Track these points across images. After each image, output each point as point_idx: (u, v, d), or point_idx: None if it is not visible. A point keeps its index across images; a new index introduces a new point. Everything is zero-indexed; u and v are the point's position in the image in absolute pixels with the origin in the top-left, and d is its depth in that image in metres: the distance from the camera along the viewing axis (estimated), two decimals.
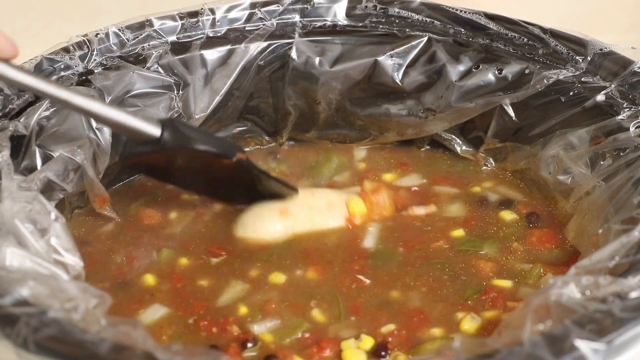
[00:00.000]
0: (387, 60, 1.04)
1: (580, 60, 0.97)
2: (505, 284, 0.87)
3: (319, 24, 1.07)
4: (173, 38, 1.03)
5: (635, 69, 0.93)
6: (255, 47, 1.04)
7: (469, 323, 0.81)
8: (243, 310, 0.83)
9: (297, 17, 1.07)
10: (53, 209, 0.78)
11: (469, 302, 0.84)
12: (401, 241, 0.93)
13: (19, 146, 0.87)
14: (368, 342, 0.79)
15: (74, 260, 0.77)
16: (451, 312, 0.83)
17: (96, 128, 0.93)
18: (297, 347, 0.79)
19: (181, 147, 0.85)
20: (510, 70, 1.00)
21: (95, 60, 0.98)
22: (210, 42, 1.04)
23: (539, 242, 0.93)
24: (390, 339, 0.79)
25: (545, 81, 0.97)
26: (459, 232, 0.94)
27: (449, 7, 1.05)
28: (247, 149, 1.10)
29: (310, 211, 0.94)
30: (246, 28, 1.06)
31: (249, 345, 0.78)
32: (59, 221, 0.78)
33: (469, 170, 1.06)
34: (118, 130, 0.85)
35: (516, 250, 0.92)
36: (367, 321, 0.82)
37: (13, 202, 0.76)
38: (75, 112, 0.88)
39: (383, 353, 0.78)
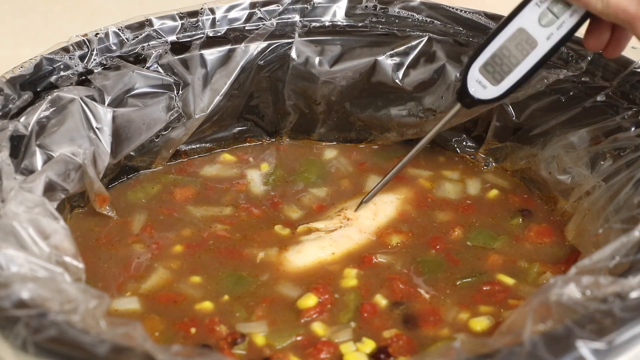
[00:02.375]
0: (387, 60, 1.04)
1: (580, 60, 0.97)
2: (507, 280, 0.87)
3: (318, 24, 1.07)
4: (173, 38, 1.03)
5: (636, 68, 0.93)
6: (255, 47, 1.04)
7: (479, 324, 0.82)
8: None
9: (297, 17, 1.07)
10: (57, 213, 0.78)
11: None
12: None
13: (19, 146, 0.87)
14: (369, 345, 0.79)
15: (75, 263, 0.77)
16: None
17: (96, 128, 0.93)
18: (293, 350, 0.79)
19: None
20: None
21: (95, 60, 0.98)
22: (210, 42, 1.04)
23: (537, 237, 0.93)
24: (391, 343, 0.79)
25: (545, 81, 0.97)
26: (458, 230, 0.95)
27: (449, 7, 1.05)
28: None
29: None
30: (246, 28, 1.05)
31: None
32: (62, 224, 0.78)
33: (469, 169, 1.06)
34: None
35: (514, 247, 0.92)
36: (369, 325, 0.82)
37: (17, 204, 0.76)
38: None
39: (383, 356, 0.77)
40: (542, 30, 0.85)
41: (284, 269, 0.89)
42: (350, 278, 0.87)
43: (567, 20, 0.84)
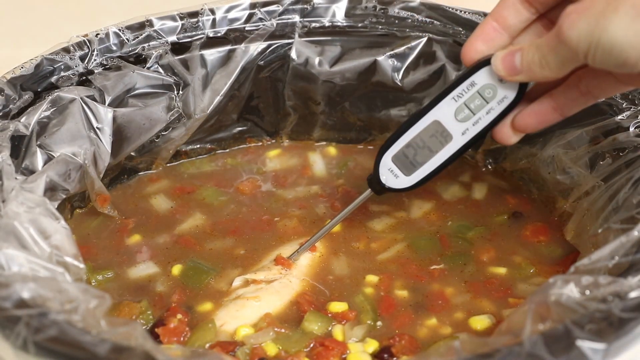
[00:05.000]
0: (386, 61, 1.04)
1: None
2: (500, 270, 0.89)
3: (318, 24, 1.07)
4: (173, 38, 1.03)
5: None
6: (255, 48, 1.04)
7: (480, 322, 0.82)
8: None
9: (297, 18, 1.07)
10: (57, 213, 0.79)
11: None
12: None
13: (19, 146, 0.87)
14: (372, 344, 0.79)
15: (76, 263, 0.77)
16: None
17: (97, 128, 0.93)
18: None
19: None
20: None
21: (95, 60, 0.99)
22: (210, 42, 1.04)
23: (532, 236, 0.94)
24: (394, 343, 0.79)
25: None
26: (455, 226, 0.96)
27: (449, 7, 1.05)
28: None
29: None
30: (246, 28, 1.06)
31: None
32: (63, 224, 0.78)
33: (468, 170, 1.06)
34: None
35: (510, 246, 0.93)
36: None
37: (18, 204, 0.76)
38: None
39: (386, 356, 0.77)
40: (457, 125, 0.84)
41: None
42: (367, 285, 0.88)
43: (484, 118, 0.84)
